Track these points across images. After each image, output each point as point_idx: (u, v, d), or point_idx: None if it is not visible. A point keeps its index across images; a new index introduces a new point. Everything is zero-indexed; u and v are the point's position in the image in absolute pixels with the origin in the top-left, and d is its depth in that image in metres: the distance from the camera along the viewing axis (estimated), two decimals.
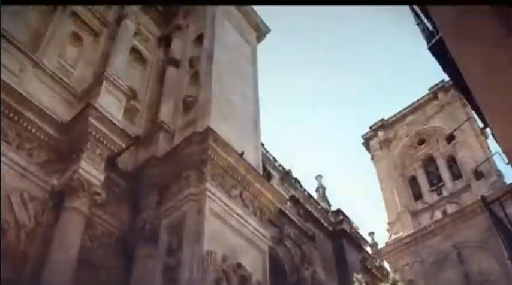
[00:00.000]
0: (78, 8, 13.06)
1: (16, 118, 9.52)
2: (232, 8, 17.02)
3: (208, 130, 11.40)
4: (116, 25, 13.60)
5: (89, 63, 12.49)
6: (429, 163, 33.25)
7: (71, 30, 12.61)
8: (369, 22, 74.18)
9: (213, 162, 11.19)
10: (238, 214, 11.16)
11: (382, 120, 36.55)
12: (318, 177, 25.59)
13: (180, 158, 11.24)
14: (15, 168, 9.13)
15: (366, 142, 36.98)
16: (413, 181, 33.42)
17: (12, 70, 10.13)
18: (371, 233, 30.82)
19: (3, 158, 8.94)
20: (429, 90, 35.44)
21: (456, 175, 31.58)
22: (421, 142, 34.23)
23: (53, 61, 11.44)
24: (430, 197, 31.69)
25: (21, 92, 9.72)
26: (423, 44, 8.24)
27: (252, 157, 13.01)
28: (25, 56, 10.60)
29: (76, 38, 12.71)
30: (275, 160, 18.66)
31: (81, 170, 9.50)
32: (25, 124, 9.62)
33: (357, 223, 22.56)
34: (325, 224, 20.43)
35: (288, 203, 17.10)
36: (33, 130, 9.73)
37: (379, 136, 36.01)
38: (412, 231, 29.91)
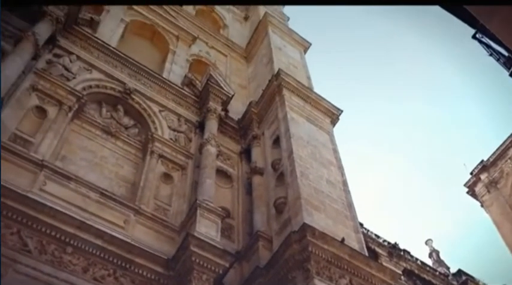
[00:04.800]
0: (165, 149, 14.19)
1: (128, 266, 10.26)
2: (301, 103, 17.48)
3: (304, 227, 11.40)
4: (199, 153, 14.45)
5: (181, 195, 13.27)
6: None
7: (161, 172, 13.60)
8: (430, 69, 71.78)
9: (315, 257, 11.05)
10: None
11: (482, 161, 34.03)
12: (428, 241, 23.98)
13: (282, 263, 11.24)
14: None
15: (471, 190, 34.24)
16: None
17: (118, 223, 11.11)
18: None
19: None
20: None
21: None
22: None
23: (150, 204, 12.33)
24: None
25: (129, 241, 10.57)
26: (498, 72, 7.99)
27: (354, 241, 12.70)
28: (126, 207, 11.61)
29: (167, 177, 13.66)
30: (378, 236, 17.96)
31: None
32: (137, 270, 10.30)
33: (484, 278, 20.54)
34: None
35: (402, 277, 16.17)
36: (145, 273, 10.36)
37: (483, 179, 33.30)
38: None
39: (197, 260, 10.46)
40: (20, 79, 12.62)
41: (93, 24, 16.69)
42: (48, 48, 14.37)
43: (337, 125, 18.27)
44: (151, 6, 20.23)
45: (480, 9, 5.54)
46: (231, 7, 26.49)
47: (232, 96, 17.14)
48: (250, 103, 17.59)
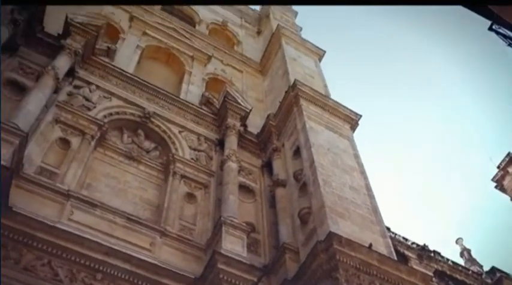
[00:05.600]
0: (187, 170, 14.27)
1: None
2: (319, 111, 17.36)
3: (330, 235, 11.27)
4: (221, 170, 14.49)
5: (205, 214, 13.32)
6: None
7: (185, 192, 13.69)
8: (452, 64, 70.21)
9: (344, 265, 10.91)
10: None
11: (509, 153, 32.87)
12: (459, 240, 23.34)
13: (310, 274, 11.13)
14: None
15: (499, 184, 33.07)
16: None
17: (145, 246, 11.22)
18: None
19: None
20: None
21: None
22: None
23: (175, 225, 12.41)
24: None
25: (157, 263, 10.66)
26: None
27: (382, 246, 12.50)
28: (152, 230, 11.71)
29: (190, 196, 13.73)
30: (406, 239, 17.59)
31: None
32: None
33: None
34: None
35: (434, 279, 15.76)
36: None
37: (511, 172, 32.28)
38: None
39: (225, 277, 10.45)
40: (43, 113, 12.93)
41: (110, 53, 17.04)
42: (68, 81, 14.69)
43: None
44: (166, 30, 20.53)
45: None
46: (244, 23, 26.67)
47: (250, 110, 17.18)
48: (268, 116, 17.58)
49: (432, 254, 18.19)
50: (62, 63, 14.27)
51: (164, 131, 15.24)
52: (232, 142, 15.47)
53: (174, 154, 14.51)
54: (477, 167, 72.66)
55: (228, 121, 16.20)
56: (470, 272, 18.98)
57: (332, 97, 18.84)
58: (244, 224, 12.37)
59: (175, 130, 15.53)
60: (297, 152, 15.54)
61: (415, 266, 13.17)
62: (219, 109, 16.99)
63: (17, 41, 14.34)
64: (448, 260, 18.73)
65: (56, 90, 13.76)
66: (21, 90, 13.39)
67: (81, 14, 16.78)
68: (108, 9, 19.86)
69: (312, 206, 13.10)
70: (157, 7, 22.78)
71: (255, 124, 17.58)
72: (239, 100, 17.16)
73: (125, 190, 12.96)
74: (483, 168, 70.74)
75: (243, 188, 14.69)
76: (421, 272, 12.31)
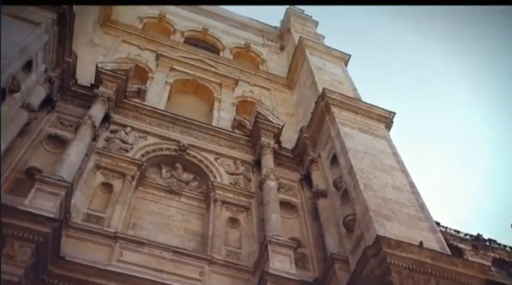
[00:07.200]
0: (227, 195, 14.31)
1: None
2: (351, 115, 17.04)
3: (379, 239, 10.94)
4: (260, 190, 14.46)
5: (250, 236, 13.27)
6: None
7: (227, 217, 13.71)
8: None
9: (396, 267, 10.54)
10: None
11: None
12: None
13: (362, 281, 10.82)
14: None
15: None
16: None
17: (194, 277, 11.28)
18: None
19: None
20: None
21: None
22: None
23: (221, 251, 12.41)
24: None
25: None
26: None
27: (433, 242, 12.01)
28: (200, 259, 11.77)
29: (233, 221, 13.72)
30: (458, 232, 16.83)
31: None
32: None
33: None
34: None
35: (493, 268, 14.96)
36: None
37: None
38: None
39: None
40: (85, 162, 13.33)
41: (141, 93, 17.46)
42: (105, 126, 15.13)
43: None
44: (191, 62, 20.87)
45: None
46: (266, 41, 26.82)
47: (282, 126, 17.12)
48: (301, 128, 17.46)
49: (488, 243, 17.29)
50: (97, 111, 14.73)
51: (201, 160, 15.39)
52: (268, 160, 15.44)
53: (213, 181, 14.59)
54: None
55: (262, 141, 16.20)
56: None
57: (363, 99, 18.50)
58: (289, 240, 12.27)
59: (211, 157, 15.65)
60: (334, 160, 15.29)
61: (471, 258, 12.56)
62: (251, 130, 17.04)
63: (53, 97, 14.92)
64: (505, 246, 17.71)
65: (95, 138, 14.18)
66: (62, 143, 13.84)
67: (110, 61, 17.41)
68: (134, 52, 20.47)
69: (356, 212, 12.79)
70: (181, 42, 23.31)
71: (289, 139, 17.50)
72: (270, 118, 17.16)
73: (169, 224, 13.12)
74: None
75: (285, 204, 14.56)
76: (478, 263, 11.80)
